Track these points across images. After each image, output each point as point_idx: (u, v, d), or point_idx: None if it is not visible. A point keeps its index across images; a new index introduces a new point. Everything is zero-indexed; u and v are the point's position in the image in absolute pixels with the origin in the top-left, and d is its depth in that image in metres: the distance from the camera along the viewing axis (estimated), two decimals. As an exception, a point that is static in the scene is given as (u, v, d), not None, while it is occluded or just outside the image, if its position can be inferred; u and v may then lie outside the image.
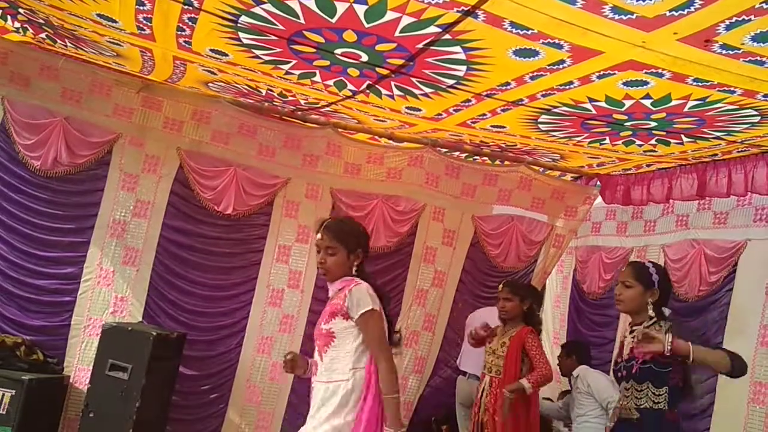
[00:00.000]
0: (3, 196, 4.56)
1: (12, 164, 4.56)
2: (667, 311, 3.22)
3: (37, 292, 4.61)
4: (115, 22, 3.34)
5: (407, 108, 3.99)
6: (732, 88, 2.79)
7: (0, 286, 4.55)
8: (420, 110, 4.00)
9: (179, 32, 3.29)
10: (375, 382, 2.75)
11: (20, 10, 3.76)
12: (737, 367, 2.95)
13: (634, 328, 3.24)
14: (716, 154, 4.04)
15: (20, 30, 4.28)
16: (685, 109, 3.14)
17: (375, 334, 2.77)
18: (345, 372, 2.76)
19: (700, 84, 2.79)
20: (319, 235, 2.90)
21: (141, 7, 3.05)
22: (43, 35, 4.22)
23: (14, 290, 4.57)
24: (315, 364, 2.87)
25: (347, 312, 2.77)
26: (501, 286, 4.29)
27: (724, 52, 2.43)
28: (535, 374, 3.97)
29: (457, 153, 5.26)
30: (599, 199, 5.37)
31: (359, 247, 2.91)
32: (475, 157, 5.32)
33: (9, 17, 4.07)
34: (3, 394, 4.01)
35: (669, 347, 2.87)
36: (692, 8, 2.15)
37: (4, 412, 3.99)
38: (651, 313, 3.16)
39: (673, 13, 2.19)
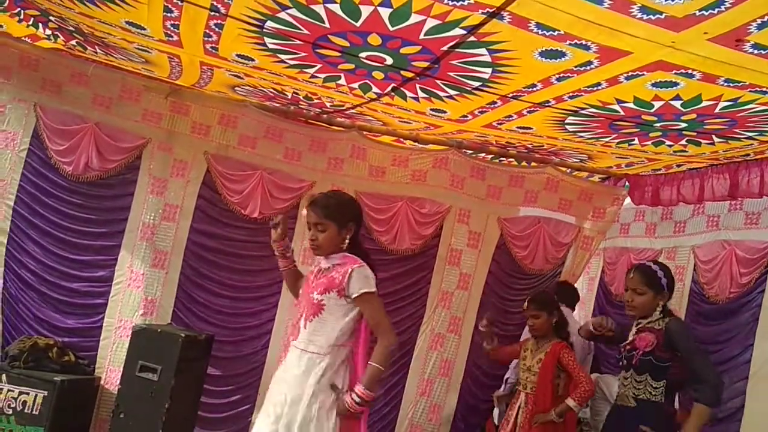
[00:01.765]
0: (37, 201, 4.66)
1: (45, 169, 4.66)
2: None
3: (69, 294, 4.70)
4: (143, 29, 3.39)
5: (432, 110, 3.98)
6: (764, 89, 2.73)
7: (34, 289, 4.65)
8: (445, 112, 3.99)
9: (206, 38, 3.32)
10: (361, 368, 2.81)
11: (51, 18, 3.84)
12: (712, 401, 3.08)
13: (639, 321, 3.37)
14: (748, 154, 3.96)
15: (51, 37, 4.37)
16: (716, 110, 3.08)
17: (378, 312, 2.81)
18: (323, 346, 2.78)
19: (731, 85, 2.74)
20: (305, 212, 2.90)
21: (168, 14, 3.09)
22: (73, 42, 4.30)
23: (48, 292, 4.67)
24: (296, 327, 2.87)
25: (344, 289, 2.78)
26: (526, 304, 4.20)
27: (755, 51, 2.38)
28: (580, 391, 3.88)
29: (482, 154, 5.23)
30: (628, 200, 5.30)
31: (350, 220, 2.89)
32: (501, 159, 5.29)
33: (40, 25, 4.15)
34: (35, 395, 4.09)
35: None
36: (722, 7, 2.10)
37: (36, 413, 4.07)
38: (658, 314, 3.30)
39: (703, 12, 2.15)
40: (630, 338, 3.35)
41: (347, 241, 2.89)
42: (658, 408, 3.14)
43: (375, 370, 2.73)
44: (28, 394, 4.11)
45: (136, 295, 4.76)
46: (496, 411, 5.04)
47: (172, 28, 3.27)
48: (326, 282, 2.82)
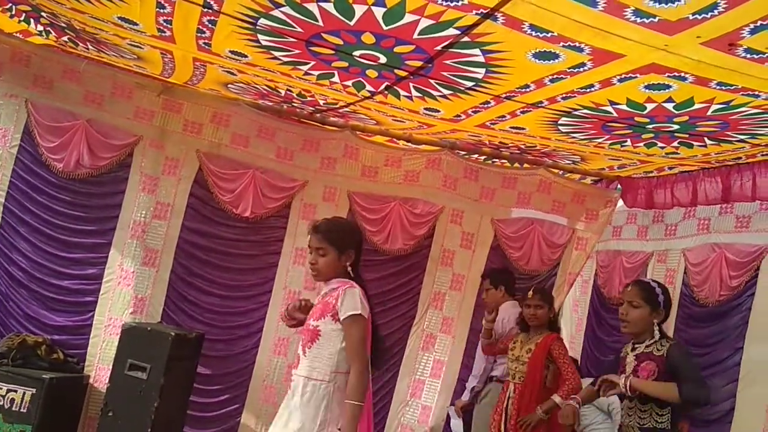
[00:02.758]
0: (27, 198, 4.63)
1: (36, 166, 4.63)
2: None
3: (59, 291, 4.68)
4: (135, 24, 3.37)
5: (426, 109, 3.98)
6: (756, 92, 2.74)
7: (24, 286, 4.62)
8: (438, 111, 3.99)
9: (199, 34, 3.31)
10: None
11: (43, 14, 3.82)
12: (687, 396, 3.01)
13: (636, 345, 3.28)
14: (740, 157, 3.97)
15: (43, 33, 4.34)
16: (709, 113, 3.10)
17: (356, 338, 2.74)
18: (326, 373, 2.75)
19: (723, 88, 2.75)
20: (309, 237, 2.90)
21: (161, 10, 3.07)
22: (65, 38, 4.28)
23: (37, 290, 4.64)
24: (297, 357, 2.86)
25: (337, 313, 2.76)
26: (531, 293, 4.17)
27: (748, 56, 2.39)
28: (566, 387, 3.87)
29: (475, 156, 5.23)
30: (620, 203, 5.31)
31: (350, 246, 2.88)
32: (494, 160, 5.29)
33: (32, 20, 4.12)
34: (24, 393, 4.06)
35: (628, 386, 3.11)
36: (716, 11, 2.11)
37: (24, 411, 4.03)
38: (656, 334, 3.21)
39: (697, 16, 2.16)
40: (629, 364, 3.29)
41: (348, 268, 2.88)
42: None
43: (354, 409, 2.67)
44: (16, 391, 4.07)
45: (126, 293, 4.73)
46: (454, 422, 4.99)
47: (164, 24, 3.25)
48: (321, 307, 2.82)
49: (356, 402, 2.68)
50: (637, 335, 3.26)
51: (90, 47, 4.29)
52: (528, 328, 4.19)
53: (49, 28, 4.18)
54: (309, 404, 2.73)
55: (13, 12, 4.02)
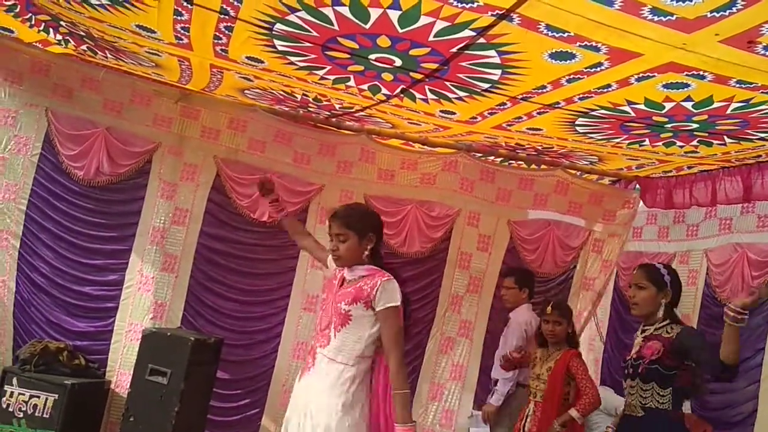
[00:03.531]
0: (48, 205, 4.69)
1: (57, 174, 4.70)
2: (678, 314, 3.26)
3: (80, 297, 4.73)
4: (153, 32, 3.40)
5: (441, 111, 3.97)
6: (777, 90, 2.71)
7: (46, 292, 4.68)
8: (454, 114, 3.98)
9: (216, 41, 3.34)
10: (382, 380, 2.80)
11: (62, 23, 3.87)
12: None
13: (645, 327, 3.28)
14: (760, 155, 3.92)
15: (62, 42, 4.40)
16: (728, 111, 3.06)
17: (394, 330, 2.77)
18: (350, 357, 2.78)
19: (743, 86, 2.71)
20: (328, 224, 2.93)
21: (178, 17, 3.10)
22: (84, 47, 4.33)
23: (59, 296, 4.70)
24: (327, 336, 2.84)
25: (371, 301, 2.78)
26: (549, 308, 4.08)
27: (767, 53, 2.36)
28: (584, 402, 3.81)
29: (491, 157, 5.22)
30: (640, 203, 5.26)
31: (370, 230, 2.89)
32: (510, 162, 5.27)
33: (51, 30, 4.18)
34: (46, 399, 4.11)
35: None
36: (734, 9, 2.08)
37: (47, 416, 4.08)
38: (661, 314, 3.20)
39: (715, 14, 2.13)
40: (636, 345, 3.30)
41: (368, 252, 2.90)
42: (666, 415, 3.11)
43: (403, 397, 2.71)
44: (38, 397, 4.13)
45: (146, 298, 4.77)
46: (475, 430, 4.89)
47: (182, 31, 3.29)
48: (354, 292, 2.82)
49: (403, 391, 2.71)
50: (646, 317, 3.26)
51: (109, 55, 4.34)
52: (546, 343, 4.14)
53: (68, 37, 4.24)
54: (333, 388, 2.75)
55: (33, 22, 4.08)
